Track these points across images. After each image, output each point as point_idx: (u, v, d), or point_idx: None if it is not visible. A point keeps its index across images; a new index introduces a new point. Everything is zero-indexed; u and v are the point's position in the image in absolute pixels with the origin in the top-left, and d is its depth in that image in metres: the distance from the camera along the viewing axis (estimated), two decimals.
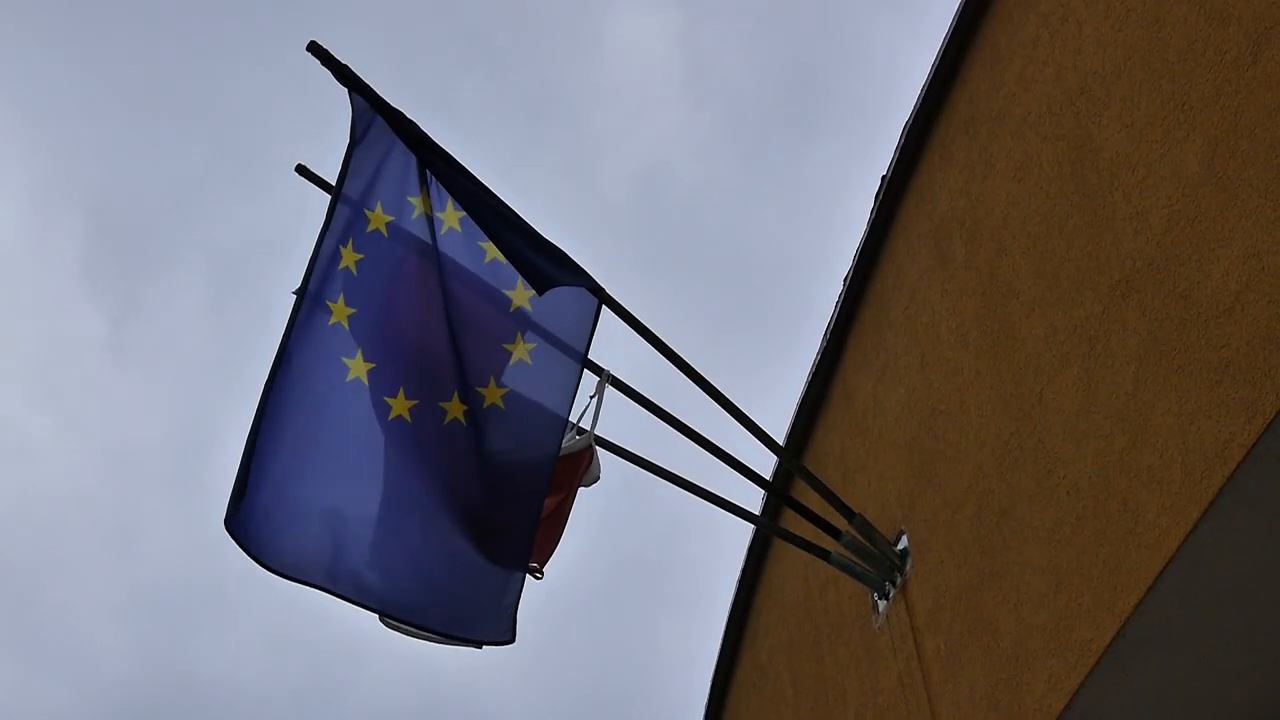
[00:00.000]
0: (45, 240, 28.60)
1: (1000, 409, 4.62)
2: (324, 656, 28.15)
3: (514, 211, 5.06)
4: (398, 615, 4.81)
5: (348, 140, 5.01)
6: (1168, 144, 3.73)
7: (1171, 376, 3.63)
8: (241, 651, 27.60)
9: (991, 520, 4.62)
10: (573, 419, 5.07)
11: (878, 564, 5.47)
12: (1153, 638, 3.81)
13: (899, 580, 5.40)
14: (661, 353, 5.24)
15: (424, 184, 5.06)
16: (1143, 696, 4.03)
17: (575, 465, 5.02)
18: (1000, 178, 4.74)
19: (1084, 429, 4.06)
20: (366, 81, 5.03)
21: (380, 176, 5.01)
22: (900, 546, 5.43)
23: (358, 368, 4.86)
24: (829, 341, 6.40)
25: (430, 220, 5.04)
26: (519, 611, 4.81)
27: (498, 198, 5.07)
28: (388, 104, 5.05)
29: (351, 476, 4.79)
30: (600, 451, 5.21)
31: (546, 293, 4.90)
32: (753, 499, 6.84)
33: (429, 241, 5.01)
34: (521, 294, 5.04)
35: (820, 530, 5.49)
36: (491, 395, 4.94)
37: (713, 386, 5.26)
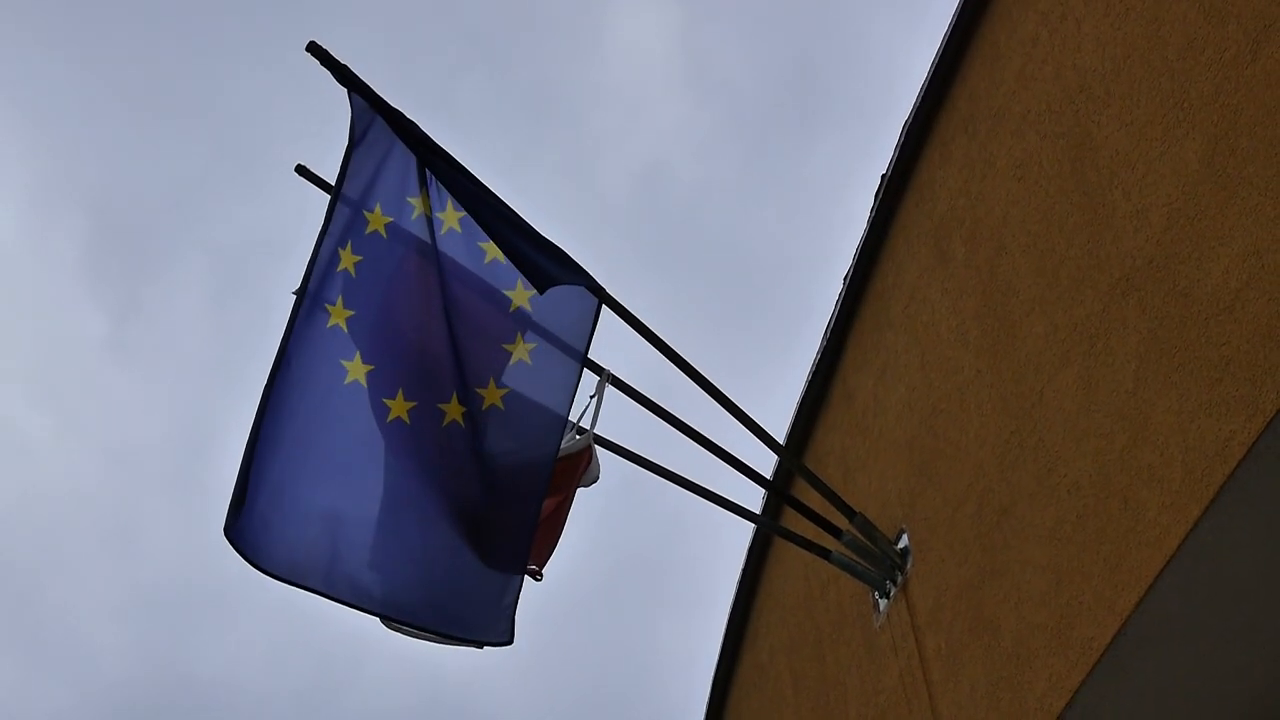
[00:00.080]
0: (45, 240, 28.61)
1: (1000, 407, 4.62)
2: (324, 656, 28.16)
3: (514, 211, 5.06)
4: (397, 617, 4.82)
5: (347, 141, 5.01)
6: (1167, 142, 3.73)
7: (1172, 374, 3.63)
8: (242, 652, 27.62)
9: (992, 519, 4.62)
10: (572, 418, 5.07)
11: (878, 563, 5.47)
12: (1154, 636, 3.81)
13: (900, 579, 5.40)
14: (662, 352, 5.24)
15: (423, 184, 5.06)
16: (1144, 695, 4.02)
17: (574, 466, 5.02)
18: (1000, 176, 4.74)
19: (1084, 427, 4.06)
20: (366, 82, 5.03)
21: (379, 177, 5.01)
22: (901, 545, 5.43)
23: (356, 370, 4.85)
24: (829, 340, 6.40)
25: (430, 221, 5.04)
26: (518, 612, 4.82)
27: (498, 197, 5.07)
28: (387, 104, 5.04)
29: (350, 479, 4.78)
30: (600, 451, 5.21)
31: (546, 293, 4.90)
32: (753, 498, 6.84)
33: (428, 242, 5.01)
34: (521, 294, 5.04)
35: (821, 529, 5.49)
36: (491, 396, 4.94)
37: (713, 386, 5.26)
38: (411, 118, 5.09)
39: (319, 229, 4.92)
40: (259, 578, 4.67)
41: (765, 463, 6.40)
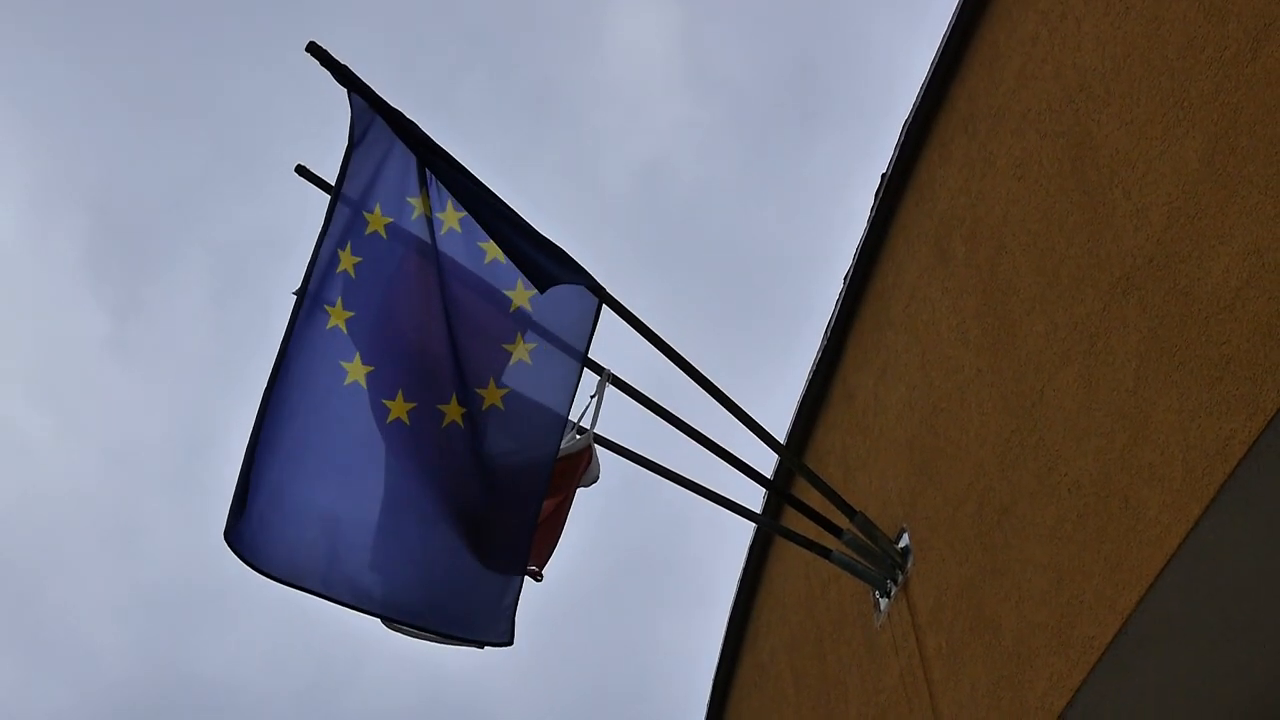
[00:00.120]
0: (46, 239, 28.61)
1: (1001, 406, 4.62)
2: (325, 656, 28.18)
3: (514, 211, 5.06)
4: (397, 617, 4.82)
5: (347, 141, 5.01)
6: (1167, 140, 3.73)
7: (1172, 373, 3.63)
8: (242, 651, 27.64)
9: (993, 518, 4.62)
10: (572, 418, 5.07)
11: (879, 562, 5.47)
12: (1154, 635, 3.81)
13: (900, 578, 5.40)
14: (662, 351, 5.24)
15: (423, 184, 5.06)
16: (1144, 693, 4.02)
17: (574, 466, 5.02)
18: (1000, 175, 4.74)
19: (1085, 426, 4.06)
20: (365, 82, 5.03)
21: (379, 178, 5.01)
22: (901, 544, 5.43)
23: (356, 371, 4.86)
24: (829, 340, 6.40)
25: (430, 221, 5.04)
26: (519, 612, 4.82)
27: (498, 197, 5.07)
28: (387, 104, 5.04)
29: (350, 480, 4.79)
30: (601, 450, 5.21)
31: (547, 293, 4.90)
32: (754, 497, 6.85)
33: (428, 242, 5.01)
34: (522, 294, 5.04)
35: (821, 528, 5.49)
36: (491, 396, 4.94)
37: (713, 385, 5.26)
38: (411, 117, 5.09)
39: (319, 229, 4.92)
40: (259, 577, 4.68)
41: (766, 462, 6.41)
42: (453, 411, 4.89)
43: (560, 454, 4.93)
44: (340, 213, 4.93)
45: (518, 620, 4.83)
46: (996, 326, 4.70)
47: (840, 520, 5.47)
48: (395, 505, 4.80)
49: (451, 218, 5.07)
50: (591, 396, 5.18)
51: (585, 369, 5.07)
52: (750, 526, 7.61)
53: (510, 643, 4.81)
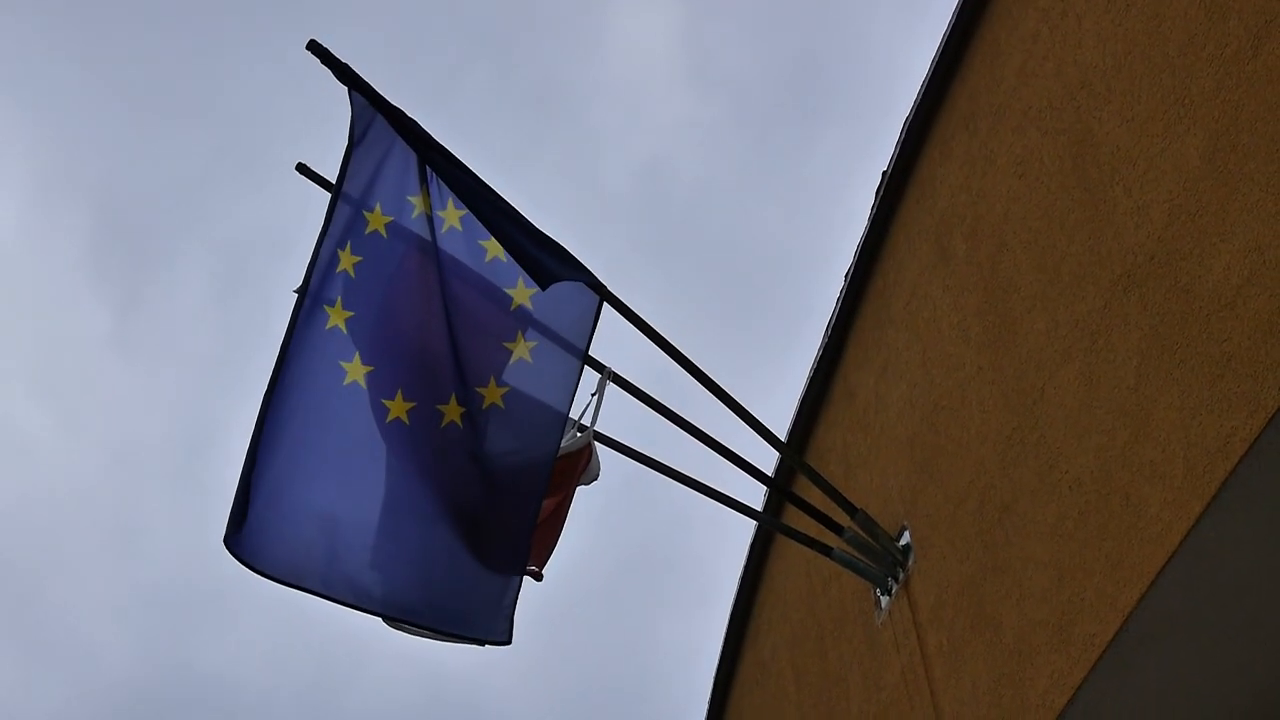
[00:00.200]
0: (47, 236, 28.61)
1: (1002, 404, 4.62)
2: (326, 654, 28.19)
3: (515, 209, 5.06)
4: (397, 616, 4.82)
5: (347, 140, 5.00)
6: (1168, 138, 3.73)
7: (1173, 371, 3.63)
8: (244, 650, 27.65)
9: (994, 515, 4.62)
10: (573, 416, 5.07)
11: (880, 560, 5.47)
12: (1155, 632, 3.81)
13: (901, 576, 5.40)
14: (663, 349, 5.24)
15: (424, 182, 5.06)
16: (1145, 691, 4.02)
17: (574, 465, 5.02)
18: (1001, 173, 4.74)
19: (1086, 424, 4.06)
20: (366, 80, 5.03)
21: (380, 176, 5.01)
22: (902, 542, 5.43)
23: (355, 371, 4.86)
24: (830, 337, 6.40)
25: (430, 219, 5.04)
26: (521, 610, 4.83)
27: (499, 195, 5.07)
28: (387, 102, 5.04)
29: (349, 480, 4.79)
30: (602, 448, 5.22)
31: (547, 290, 4.90)
32: (755, 495, 6.84)
33: (429, 240, 5.01)
34: (522, 292, 5.04)
35: (822, 526, 5.49)
36: (491, 395, 4.94)
37: (714, 383, 5.26)
38: (412, 115, 5.09)
39: (320, 228, 4.92)
40: (260, 576, 4.68)
41: (767, 460, 6.40)
42: (451, 412, 4.89)
43: (560, 452, 4.93)
44: (340, 212, 4.93)
45: (519, 619, 4.83)
46: (997, 324, 4.70)
47: (841, 518, 5.47)
48: (395, 505, 4.80)
49: (452, 216, 5.07)
50: (592, 394, 5.19)
51: (586, 367, 5.07)
52: (751, 524, 7.62)
53: (509, 641, 4.82)
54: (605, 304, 5.09)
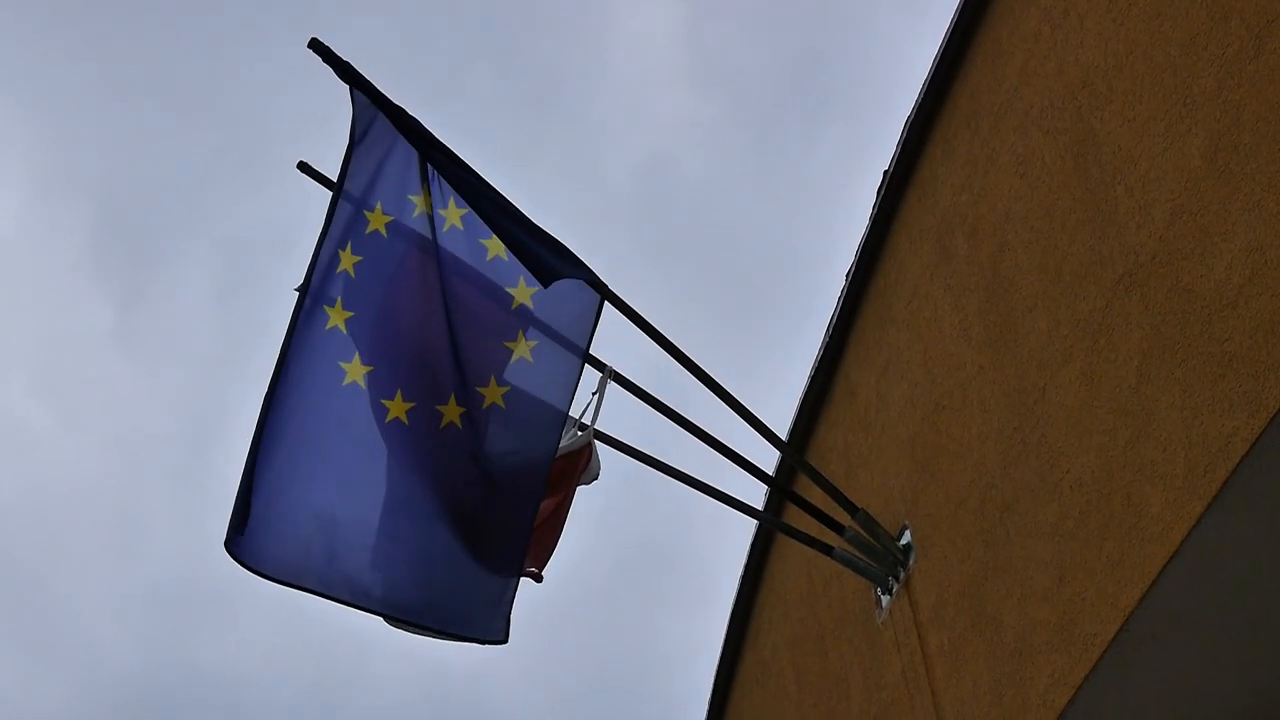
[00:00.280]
0: (49, 233, 28.61)
1: (1003, 404, 4.62)
2: (329, 652, 28.19)
3: (516, 207, 5.06)
4: (395, 615, 4.83)
5: (348, 139, 5.00)
6: (1170, 138, 3.72)
7: (1175, 371, 3.63)
8: (247, 646, 27.65)
9: (995, 515, 4.62)
10: (574, 415, 5.07)
11: (881, 559, 5.47)
12: (1156, 632, 3.81)
13: (902, 575, 5.40)
14: (664, 348, 5.23)
15: (425, 181, 5.06)
16: (1146, 691, 4.02)
17: (574, 464, 5.02)
18: (1002, 172, 4.73)
19: (1087, 423, 4.06)
20: (368, 78, 5.03)
21: (381, 175, 5.01)
22: (903, 541, 5.43)
23: (354, 371, 4.86)
24: (831, 337, 6.40)
25: (431, 218, 5.04)
26: (524, 608, 4.86)
27: (500, 193, 5.07)
28: (389, 100, 5.04)
29: (348, 480, 4.79)
30: (602, 447, 5.22)
31: (548, 289, 4.90)
32: (756, 494, 6.84)
33: (430, 239, 5.01)
34: (523, 291, 5.04)
35: (823, 525, 5.49)
36: (492, 395, 4.94)
37: (715, 381, 5.26)
38: (414, 113, 5.09)
39: (321, 226, 4.92)
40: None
41: (768, 459, 6.40)
42: (451, 412, 4.89)
43: (561, 451, 4.93)
44: (341, 211, 4.93)
45: (520, 618, 4.85)
46: (998, 324, 4.70)
47: (842, 517, 5.47)
48: (394, 505, 4.81)
49: (453, 215, 5.07)
50: (593, 393, 5.19)
51: (586, 365, 5.07)
52: (752, 523, 7.61)
53: (505, 641, 4.83)
54: (606, 302, 5.09)
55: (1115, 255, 3.97)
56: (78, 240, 28.46)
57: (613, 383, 5.25)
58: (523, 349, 4.99)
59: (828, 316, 6.43)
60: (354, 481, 4.80)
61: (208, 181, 27.98)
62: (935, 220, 5.31)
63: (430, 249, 4.99)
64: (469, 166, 5.08)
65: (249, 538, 4.59)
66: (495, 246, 5.04)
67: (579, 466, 5.04)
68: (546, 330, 5.02)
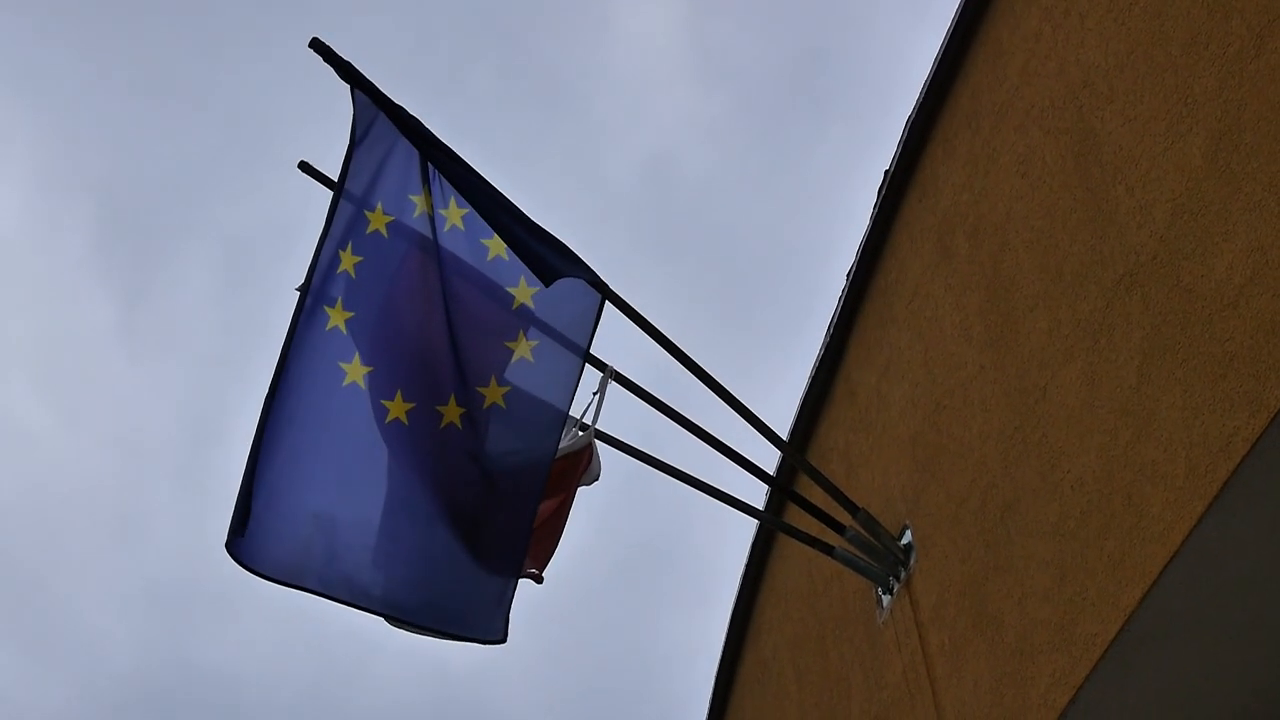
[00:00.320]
0: (51, 230, 28.62)
1: (1004, 403, 4.62)
2: (331, 650, 28.22)
3: (517, 206, 5.06)
4: (395, 615, 4.83)
5: (349, 139, 5.00)
6: (1171, 137, 3.72)
7: (1176, 370, 3.63)
8: (248, 646, 27.67)
9: (996, 515, 4.62)
10: (575, 415, 5.07)
11: (882, 559, 5.47)
12: (1157, 632, 3.80)
13: (903, 575, 5.40)
14: (665, 348, 5.23)
15: (426, 181, 5.06)
16: (1147, 691, 4.02)
17: (575, 465, 5.02)
18: (1003, 172, 4.73)
19: (1088, 423, 4.06)
20: (369, 78, 5.03)
21: (381, 176, 5.01)
22: (904, 541, 5.43)
23: (354, 372, 4.86)
24: (832, 336, 6.40)
25: (432, 218, 5.03)
26: (526, 607, 4.87)
27: (501, 193, 5.07)
28: (390, 100, 5.04)
29: (348, 481, 4.79)
30: (603, 447, 5.22)
31: (549, 289, 4.90)
32: (757, 494, 6.84)
33: (430, 239, 5.01)
34: (524, 290, 5.03)
35: (824, 525, 5.49)
36: (492, 395, 4.94)
37: (716, 381, 5.26)
38: (415, 112, 5.09)
39: (322, 227, 4.92)
40: None
41: (769, 458, 6.40)
42: (450, 413, 4.89)
43: (561, 452, 4.93)
44: (342, 211, 4.93)
45: (522, 617, 4.85)
46: (999, 323, 4.70)
47: (843, 517, 5.47)
48: (394, 505, 4.81)
49: (454, 214, 5.06)
50: (594, 393, 5.18)
51: (588, 365, 5.07)
52: (753, 523, 7.61)
53: (504, 640, 4.83)
54: (607, 302, 5.09)
55: (1116, 255, 3.96)
56: (79, 238, 28.48)
57: (613, 382, 5.24)
58: (523, 349, 4.99)
59: (829, 316, 6.44)
60: (354, 482, 4.80)
61: (210, 179, 28.01)
62: (936, 220, 5.31)
63: (431, 249, 4.99)
64: (469, 166, 5.08)
65: (249, 539, 4.59)
66: (496, 246, 5.03)
67: (580, 467, 5.04)
68: (547, 330, 5.02)
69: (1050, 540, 4.23)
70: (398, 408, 4.87)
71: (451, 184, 5.05)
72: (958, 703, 4.83)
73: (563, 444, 4.97)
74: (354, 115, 4.99)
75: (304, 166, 5.46)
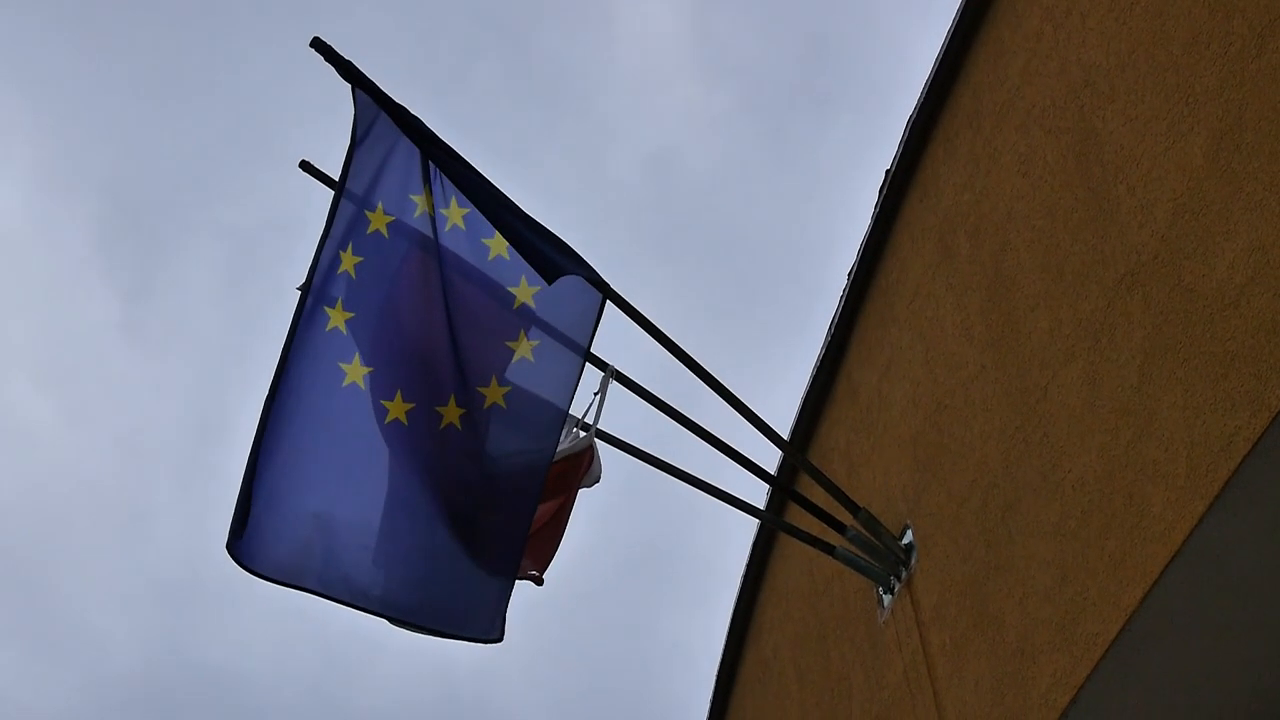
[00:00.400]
0: (55, 225, 28.63)
1: (1005, 403, 4.62)
2: (334, 648, 28.22)
3: (518, 205, 5.06)
4: (394, 615, 4.83)
5: (349, 139, 5.00)
6: (1172, 137, 3.72)
7: (1177, 370, 3.63)
8: (251, 642, 27.69)
9: (997, 514, 4.62)
10: (576, 415, 5.07)
11: (883, 558, 5.47)
12: (1158, 631, 3.80)
13: (904, 574, 5.40)
14: (666, 347, 5.23)
15: (427, 180, 5.06)
16: (1148, 690, 4.02)
17: (576, 468, 5.01)
18: (1004, 171, 4.73)
19: (1089, 423, 4.05)
20: (370, 77, 5.03)
21: (382, 175, 5.01)
22: (905, 541, 5.43)
23: (354, 372, 4.86)
24: (833, 336, 6.40)
25: (433, 218, 5.03)
26: (525, 609, 4.87)
27: (502, 192, 5.07)
28: (391, 99, 5.04)
29: (347, 480, 4.80)
30: (604, 447, 5.21)
31: (550, 288, 4.90)
32: (757, 493, 6.84)
33: (431, 239, 5.01)
34: (525, 290, 5.03)
35: (825, 525, 5.48)
36: (493, 395, 4.93)
37: (717, 381, 5.26)
38: (417, 109, 5.09)
39: (323, 224, 4.92)
40: None
41: (770, 458, 6.40)
42: (450, 413, 4.89)
43: (562, 453, 4.93)
44: (343, 211, 4.93)
45: (523, 616, 4.88)
46: (1000, 323, 4.69)
47: (844, 516, 5.46)
48: (393, 505, 4.81)
49: (455, 214, 5.06)
50: (595, 393, 5.18)
51: (589, 364, 5.06)
52: (754, 523, 7.61)
53: (500, 640, 4.84)
54: (608, 301, 5.08)
55: (1117, 254, 3.96)
56: (81, 236, 28.49)
57: (615, 382, 5.24)
58: (524, 349, 4.99)
59: (830, 315, 6.43)
60: (353, 482, 4.80)
61: (212, 178, 28.02)
62: (937, 219, 5.31)
63: (432, 248, 4.99)
64: (471, 165, 5.08)
65: (249, 539, 4.59)
66: (497, 245, 5.03)
67: (581, 469, 5.04)
68: (548, 329, 5.02)
69: (1051, 540, 4.22)
70: (397, 408, 4.87)
71: (453, 183, 5.05)
72: (959, 702, 4.83)
73: (563, 445, 4.96)
74: (355, 115, 4.99)
75: (305, 166, 5.46)
